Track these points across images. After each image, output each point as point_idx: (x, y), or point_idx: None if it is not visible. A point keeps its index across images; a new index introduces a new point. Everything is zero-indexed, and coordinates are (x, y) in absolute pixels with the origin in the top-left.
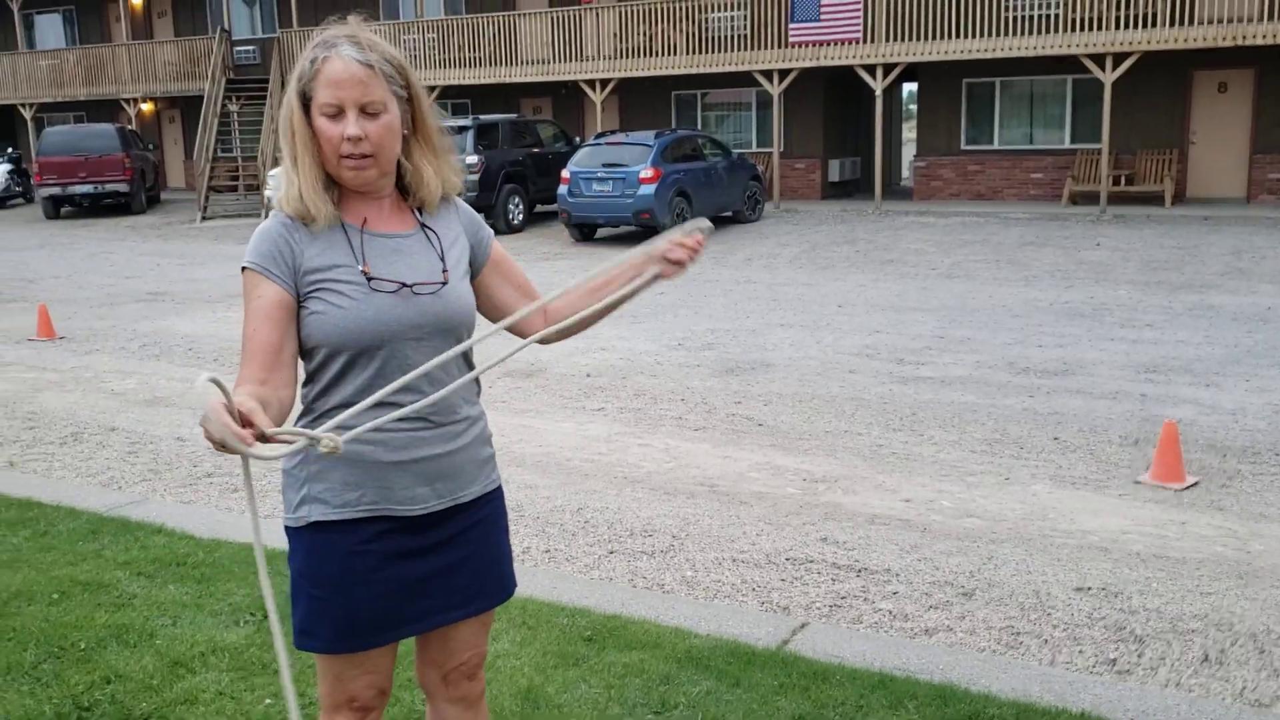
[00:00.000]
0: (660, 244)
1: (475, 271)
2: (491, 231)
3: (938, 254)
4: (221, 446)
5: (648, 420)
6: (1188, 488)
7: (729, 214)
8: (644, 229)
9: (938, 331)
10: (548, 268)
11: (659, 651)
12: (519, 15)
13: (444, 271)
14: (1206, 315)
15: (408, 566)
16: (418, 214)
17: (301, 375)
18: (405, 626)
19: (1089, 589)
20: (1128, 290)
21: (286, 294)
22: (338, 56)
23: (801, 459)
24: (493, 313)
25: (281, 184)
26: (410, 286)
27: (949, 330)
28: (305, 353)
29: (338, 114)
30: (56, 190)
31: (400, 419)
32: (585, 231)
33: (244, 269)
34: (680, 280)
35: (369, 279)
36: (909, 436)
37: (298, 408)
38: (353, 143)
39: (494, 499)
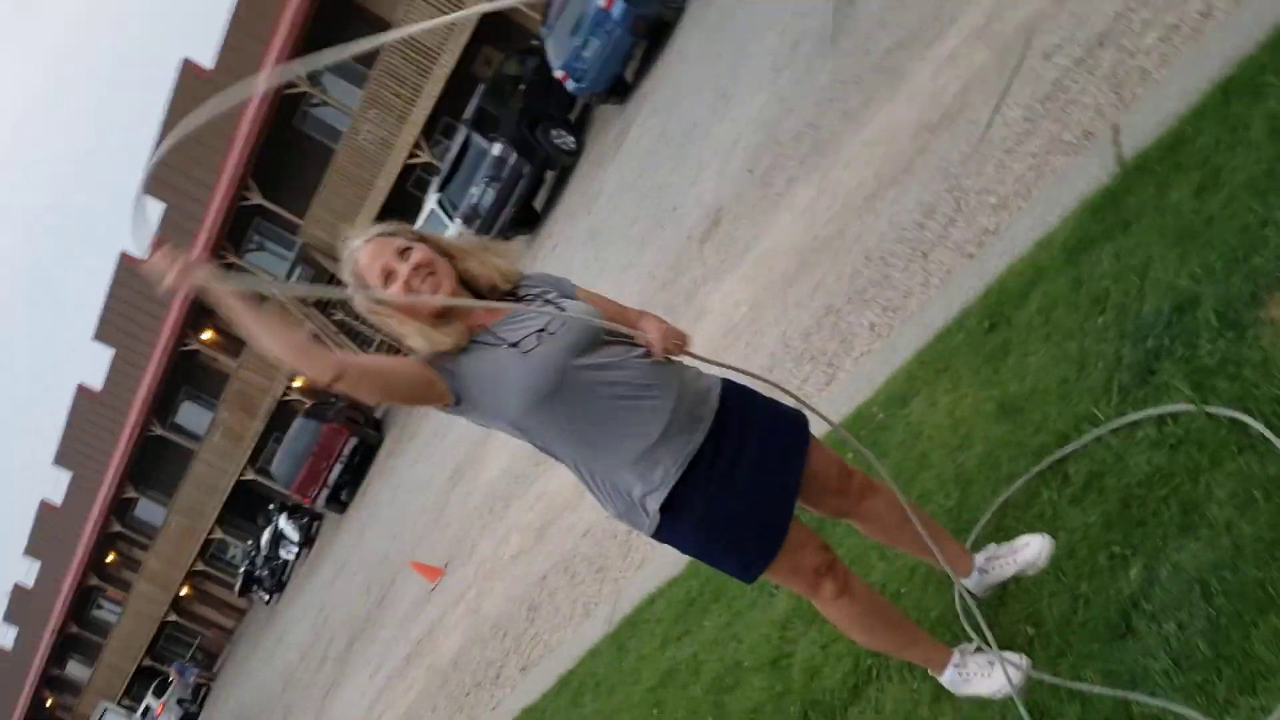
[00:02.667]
0: (656, 332)
1: None
2: (570, 281)
3: None
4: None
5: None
6: None
7: None
8: (654, 34)
9: None
10: (644, 146)
11: (1043, 264)
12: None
13: (555, 308)
14: None
15: (740, 475)
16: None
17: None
18: (785, 503)
19: None
20: None
21: (427, 372)
22: (362, 250)
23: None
24: None
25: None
26: (543, 330)
27: None
28: (537, 442)
29: (391, 275)
30: (326, 492)
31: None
32: (620, 88)
33: None
34: None
35: (512, 345)
36: None
37: (579, 485)
38: (413, 271)
39: (729, 392)
